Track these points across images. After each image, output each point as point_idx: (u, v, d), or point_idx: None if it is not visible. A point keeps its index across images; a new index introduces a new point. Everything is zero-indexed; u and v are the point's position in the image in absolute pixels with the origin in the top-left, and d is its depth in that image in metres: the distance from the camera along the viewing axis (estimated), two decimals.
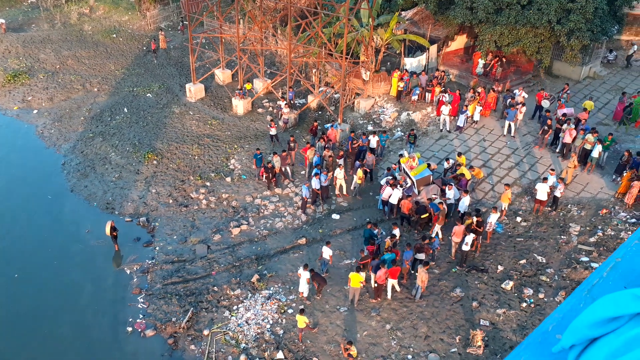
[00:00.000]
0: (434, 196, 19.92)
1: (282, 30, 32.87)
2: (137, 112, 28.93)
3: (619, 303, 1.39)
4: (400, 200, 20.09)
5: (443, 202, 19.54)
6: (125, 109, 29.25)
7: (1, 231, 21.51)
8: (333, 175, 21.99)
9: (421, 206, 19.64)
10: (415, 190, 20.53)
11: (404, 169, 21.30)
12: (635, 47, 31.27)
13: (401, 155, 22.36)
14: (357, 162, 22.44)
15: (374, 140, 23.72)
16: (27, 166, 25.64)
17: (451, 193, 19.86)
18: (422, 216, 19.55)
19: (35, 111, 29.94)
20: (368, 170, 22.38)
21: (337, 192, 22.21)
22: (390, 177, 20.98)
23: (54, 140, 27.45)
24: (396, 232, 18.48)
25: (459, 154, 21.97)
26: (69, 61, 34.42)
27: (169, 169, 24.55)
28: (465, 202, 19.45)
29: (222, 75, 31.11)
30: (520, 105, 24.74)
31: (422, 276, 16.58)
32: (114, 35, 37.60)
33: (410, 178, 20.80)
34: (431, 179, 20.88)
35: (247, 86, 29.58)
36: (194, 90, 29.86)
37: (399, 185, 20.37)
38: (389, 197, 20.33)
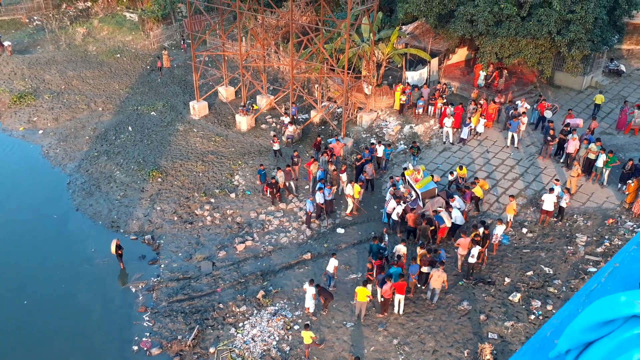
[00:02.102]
0: (439, 209, 19.89)
1: (284, 47, 33.15)
2: (141, 131, 29.13)
3: (611, 306, 1.38)
4: (405, 213, 20.03)
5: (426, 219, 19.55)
6: (130, 128, 29.46)
7: (8, 250, 21.58)
8: (342, 191, 21.89)
9: (427, 218, 19.59)
10: (420, 203, 20.49)
11: (408, 181, 21.28)
12: (618, 64, 31.38)
13: (405, 168, 22.35)
14: (361, 176, 22.45)
15: (380, 150, 23.81)
16: (33, 186, 25.78)
17: (456, 205, 19.79)
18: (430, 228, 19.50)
19: (40, 131, 30.19)
20: (362, 183, 22.23)
21: (348, 212, 22.05)
22: (391, 189, 20.95)
23: (60, 159, 27.63)
24: (403, 248, 18.30)
25: (460, 167, 21.94)
26: (73, 81, 34.77)
27: (174, 186, 24.62)
28: (459, 214, 19.37)
29: (225, 93, 31.34)
30: (522, 115, 24.77)
31: (442, 277, 16.62)
32: (118, 55, 38.03)
33: (415, 191, 20.78)
34: (436, 191, 20.85)
35: (255, 107, 29.82)
36: (198, 108, 30.07)
37: (401, 201, 20.25)
38: (393, 209, 20.27)
